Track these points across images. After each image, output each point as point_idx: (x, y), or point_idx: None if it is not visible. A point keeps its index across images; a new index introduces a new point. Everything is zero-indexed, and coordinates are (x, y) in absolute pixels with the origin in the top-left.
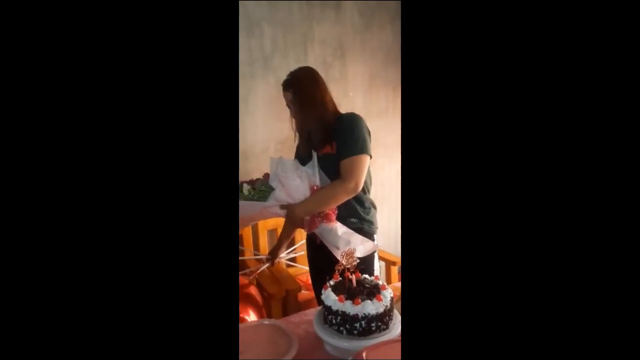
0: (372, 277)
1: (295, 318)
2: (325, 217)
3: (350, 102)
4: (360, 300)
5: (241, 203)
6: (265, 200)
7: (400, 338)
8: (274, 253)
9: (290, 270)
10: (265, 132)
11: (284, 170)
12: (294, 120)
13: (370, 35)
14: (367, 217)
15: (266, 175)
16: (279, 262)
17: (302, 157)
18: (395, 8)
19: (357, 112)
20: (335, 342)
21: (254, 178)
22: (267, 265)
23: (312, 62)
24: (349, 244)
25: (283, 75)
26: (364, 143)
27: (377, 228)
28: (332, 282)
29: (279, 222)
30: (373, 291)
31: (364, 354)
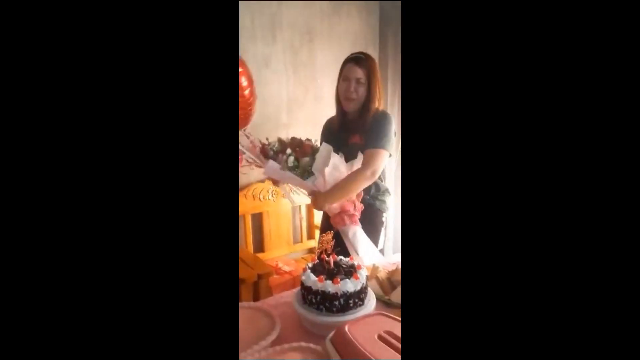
0: (348, 259)
1: (271, 301)
2: (351, 218)
3: (318, 88)
4: (339, 279)
5: (275, 167)
6: (303, 179)
7: (376, 312)
8: None
9: (259, 255)
10: None
11: (332, 165)
12: (346, 95)
13: (338, 20)
14: (380, 197)
15: (307, 146)
16: (246, 247)
17: (332, 132)
18: None
19: (325, 98)
20: (315, 318)
21: (292, 138)
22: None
23: (280, 46)
24: (367, 253)
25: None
26: (388, 140)
27: (387, 209)
28: (310, 265)
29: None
30: (350, 270)
31: (346, 327)
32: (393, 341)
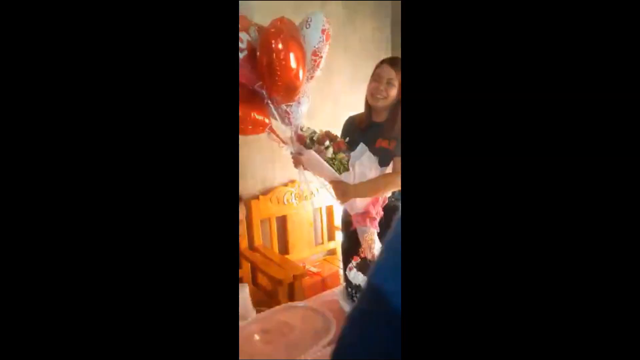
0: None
1: (317, 300)
2: (372, 221)
3: (333, 95)
4: None
5: (317, 157)
6: (337, 173)
7: None
8: None
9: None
10: None
11: (364, 162)
12: (373, 92)
13: (353, 29)
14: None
15: (341, 142)
16: (272, 250)
17: (356, 130)
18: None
19: (340, 105)
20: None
21: (327, 131)
22: None
23: None
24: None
25: None
26: None
27: None
28: (354, 263)
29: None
30: None
31: None
32: None
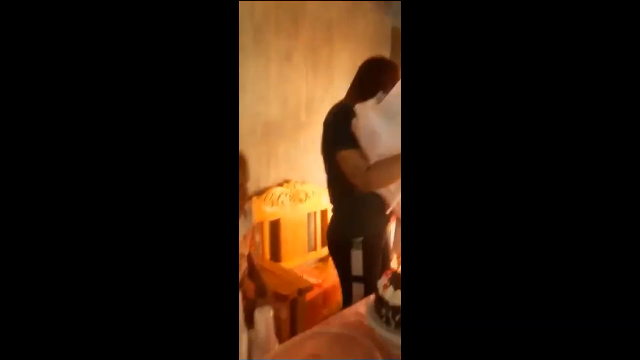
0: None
1: (336, 323)
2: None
3: (335, 89)
4: None
5: None
6: None
7: None
8: None
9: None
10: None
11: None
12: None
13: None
14: None
15: None
16: (263, 256)
17: None
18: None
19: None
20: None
21: None
22: None
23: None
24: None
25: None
26: None
27: None
28: (386, 280)
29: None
30: None
31: None
32: None
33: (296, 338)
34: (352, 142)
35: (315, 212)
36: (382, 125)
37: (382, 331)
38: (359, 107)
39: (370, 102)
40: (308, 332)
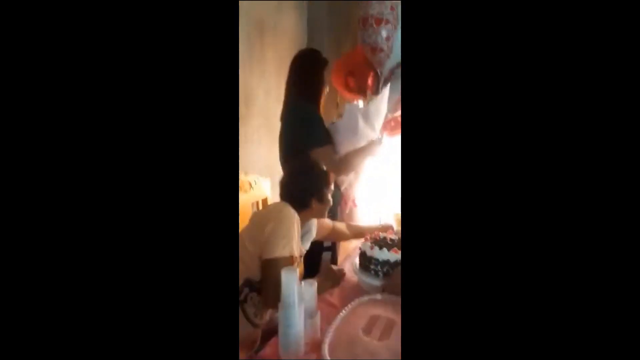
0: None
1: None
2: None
3: (265, 82)
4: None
5: None
6: None
7: None
8: None
9: None
10: None
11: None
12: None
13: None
14: None
15: None
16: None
17: None
18: None
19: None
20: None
21: None
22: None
23: None
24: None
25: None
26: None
27: None
28: (370, 243)
29: None
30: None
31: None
32: None
33: (354, 304)
34: (326, 140)
35: (258, 202)
36: (362, 126)
37: (373, 282)
38: (348, 108)
39: (357, 105)
40: (360, 300)
